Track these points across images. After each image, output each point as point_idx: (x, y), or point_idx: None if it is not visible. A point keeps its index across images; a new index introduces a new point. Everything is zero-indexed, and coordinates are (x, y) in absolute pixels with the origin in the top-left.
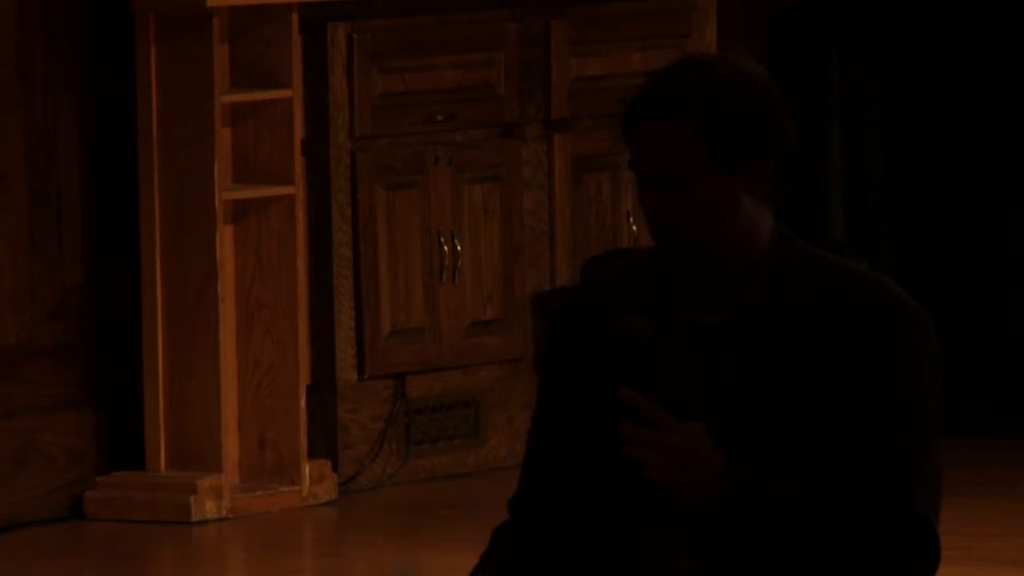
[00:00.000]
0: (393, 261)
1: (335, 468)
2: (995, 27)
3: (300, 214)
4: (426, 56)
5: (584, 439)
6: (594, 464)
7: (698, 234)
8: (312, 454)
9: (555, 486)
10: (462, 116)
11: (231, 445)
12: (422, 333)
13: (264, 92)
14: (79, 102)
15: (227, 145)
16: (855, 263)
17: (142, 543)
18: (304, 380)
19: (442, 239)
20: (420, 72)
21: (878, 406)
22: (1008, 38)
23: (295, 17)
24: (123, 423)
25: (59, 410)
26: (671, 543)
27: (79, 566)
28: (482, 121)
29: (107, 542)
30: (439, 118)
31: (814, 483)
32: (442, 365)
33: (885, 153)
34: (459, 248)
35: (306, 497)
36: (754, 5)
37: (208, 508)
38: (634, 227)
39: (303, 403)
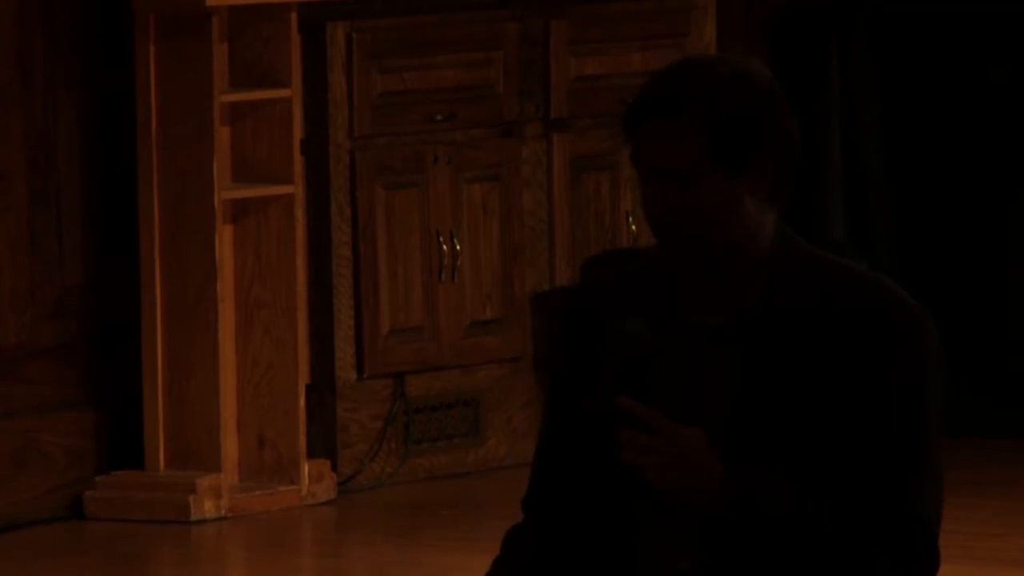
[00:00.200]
0: (392, 260)
1: (334, 467)
2: (995, 27)
3: (299, 213)
4: (425, 55)
5: (587, 440)
6: (597, 465)
7: (699, 233)
8: (311, 453)
9: (562, 485)
10: (461, 116)
11: (230, 445)
12: (421, 332)
13: (263, 91)
14: (79, 102)
15: (226, 144)
16: (856, 263)
17: (142, 543)
18: (303, 379)
19: (441, 238)
20: (419, 71)
21: (879, 407)
22: (1008, 38)
23: (294, 16)
24: (123, 423)
25: (59, 410)
26: (672, 545)
27: (79, 566)
28: (481, 121)
29: (107, 542)
30: (438, 117)
31: (815, 484)
32: (441, 364)
33: (885, 153)
34: (458, 247)
35: (305, 496)
36: (754, 5)
37: (207, 508)
38: (633, 227)
39: (302, 402)
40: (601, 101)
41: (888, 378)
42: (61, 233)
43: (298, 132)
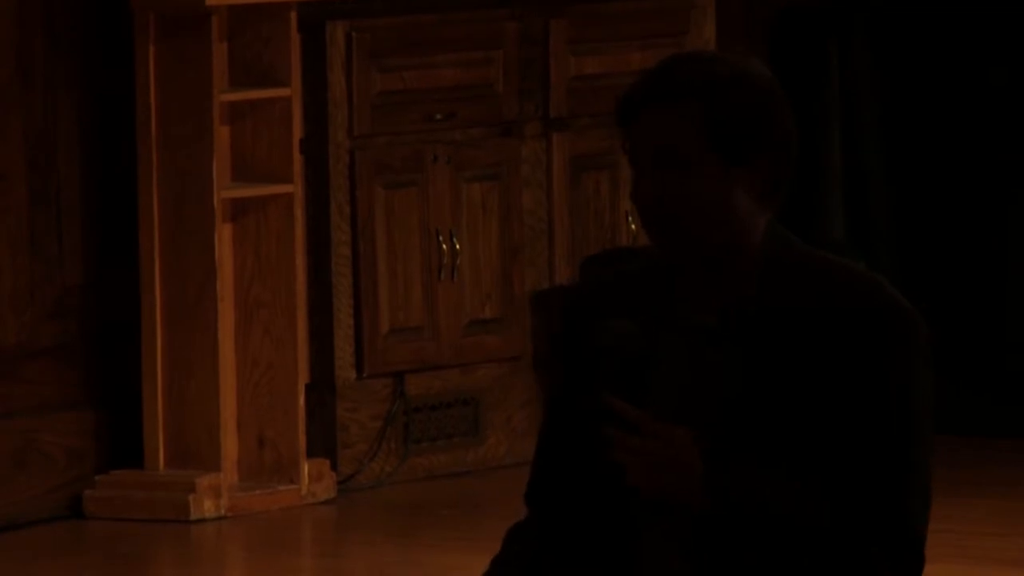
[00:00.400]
0: (392, 260)
1: (334, 467)
2: (995, 27)
3: (299, 213)
4: (425, 55)
5: (586, 438)
6: (595, 464)
7: (690, 223)
8: (311, 453)
9: (562, 482)
10: (461, 115)
11: (230, 444)
12: (421, 332)
13: (263, 91)
14: (79, 102)
15: (226, 144)
16: (852, 263)
17: (141, 542)
18: (303, 379)
19: (441, 238)
20: (419, 71)
21: (868, 408)
22: (1008, 38)
23: (294, 16)
24: (122, 422)
25: (59, 410)
26: (668, 545)
27: (78, 565)
28: (481, 120)
29: (106, 541)
30: (438, 117)
31: (806, 483)
32: (441, 364)
33: (885, 153)
34: (458, 247)
35: (305, 496)
36: (753, 4)
37: (207, 507)
38: (632, 226)
39: (302, 402)
40: (601, 100)
41: (877, 379)
42: (61, 233)
43: (297, 131)
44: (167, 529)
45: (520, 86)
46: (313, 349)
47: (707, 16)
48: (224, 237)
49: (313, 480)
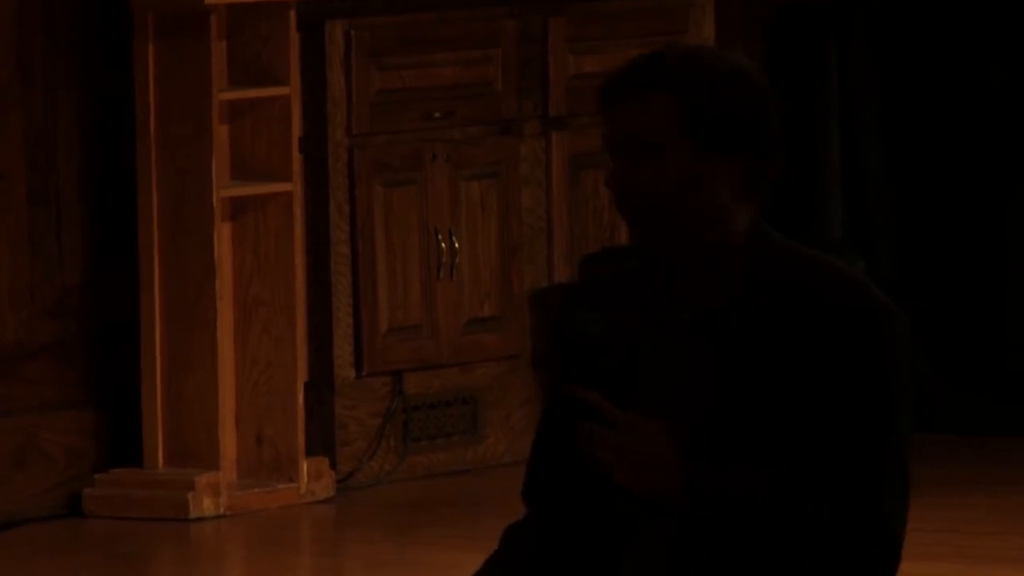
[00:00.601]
0: (391, 258)
1: (333, 465)
2: (995, 27)
3: (298, 211)
4: (424, 53)
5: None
6: (589, 461)
7: (662, 208)
8: (310, 451)
9: (557, 480)
10: (460, 113)
11: (229, 442)
12: (420, 330)
13: (262, 89)
14: (79, 102)
15: (225, 143)
16: (834, 260)
17: (140, 540)
18: (302, 377)
19: (440, 236)
20: (418, 69)
21: (845, 406)
22: (1008, 38)
23: (293, 14)
24: (121, 421)
25: (58, 408)
26: (651, 541)
27: (78, 564)
28: (480, 118)
29: (105, 539)
30: (437, 115)
31: (781, 479)
32: (440, 362)
33: (884, 152)
34: (457, 245)
35: (304, 494)
36: (753, 3)
37: (206, 505)
38: None
39: (301, 400)
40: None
41: (856, 377)
42: (60, 232)
43: (297, 130)
44: (166, 527)
45: (519, 85)
46: (312, 348)
47: (706, 14)
48: (223, 236)
49: (312, 478)
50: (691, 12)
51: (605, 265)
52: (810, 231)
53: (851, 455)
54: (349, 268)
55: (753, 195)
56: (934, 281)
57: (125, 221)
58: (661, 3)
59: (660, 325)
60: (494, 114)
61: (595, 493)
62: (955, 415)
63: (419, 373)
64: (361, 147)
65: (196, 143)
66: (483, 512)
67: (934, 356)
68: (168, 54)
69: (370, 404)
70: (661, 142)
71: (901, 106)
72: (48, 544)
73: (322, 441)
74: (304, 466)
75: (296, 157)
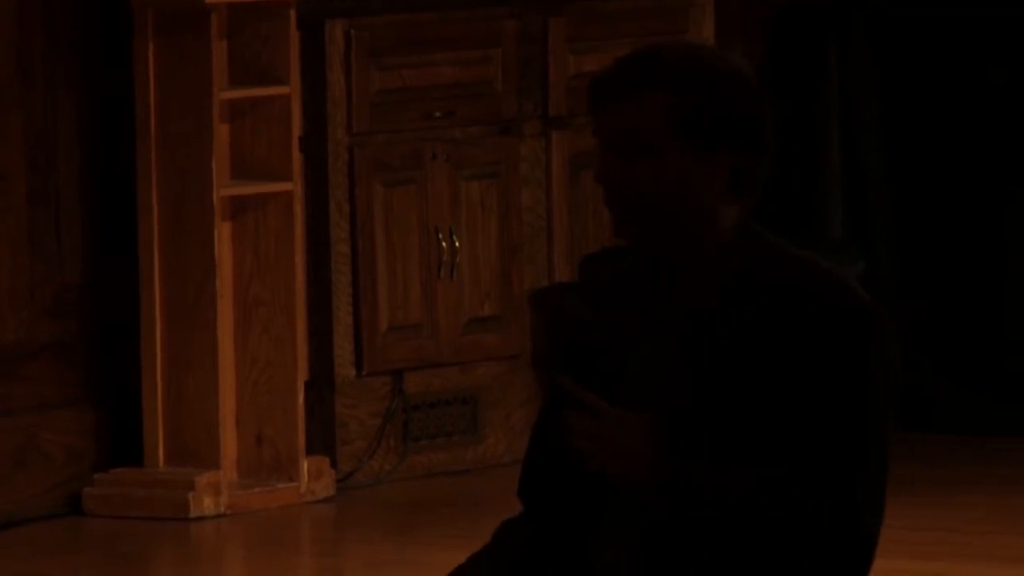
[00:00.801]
0: (391, 258)
1: (333, 465)
2: (995, 27)
3: (298, 210)
4: (424, 53)
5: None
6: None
7: (651, 205)
8: (310, 451)
9: (551, 476)
10: (460, 113)
11: (229, 442)
12: (420, 330)
13: (262, 89)
14: (79, 102)
15: (225, 142)
16: (822, 260)
17: (140, 540)
18: (302, 377)
19: (440, 236)
20: (418, 69)
21: (824, 405)
22: (1008, 38)
23: (293, 14)
24: (122, 420)
25: (58, 408)
26: (624, 534)
27: (78, 563)
28: (480, 118)
29: (105, 539)
30: (437, 115)
31: (757, 476)
32: (440, 362)
33: (884, 152)
34: (457, 245)
35: (304, 494)
36: (753, 3)
37: (206, 505)
38: None
39: (301, 400)
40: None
41: (835, 377)
42: (60, 232)
43: (297, 129)
44: (166, 527)
45: (519, 84)
46: (312, 347)
47: (706, 14)
48: (223, 235)
49: (312, 478)
50: (691, 12)
51: (605, 265)
52: (810, 231)
53: (828, 453)
54: (349, 267)
55: (743, 194)
56: (934, 281)
57: (125, 221)
58: (661, 3)
59: (648, 321)
60: (494, 114)
61: (587, 490)
62: (955, 415)
63: (419, 372)
64: (361, 146)
65: (196, 142)
66: (483, 512)
67: (934, 356)
68: (168, 53)
69: (370, 403)
70: (654, 141)
71: (901, 106)
72: (48, 544)
73: (322, 440)
74: (304, 465)
75: (296, 156)
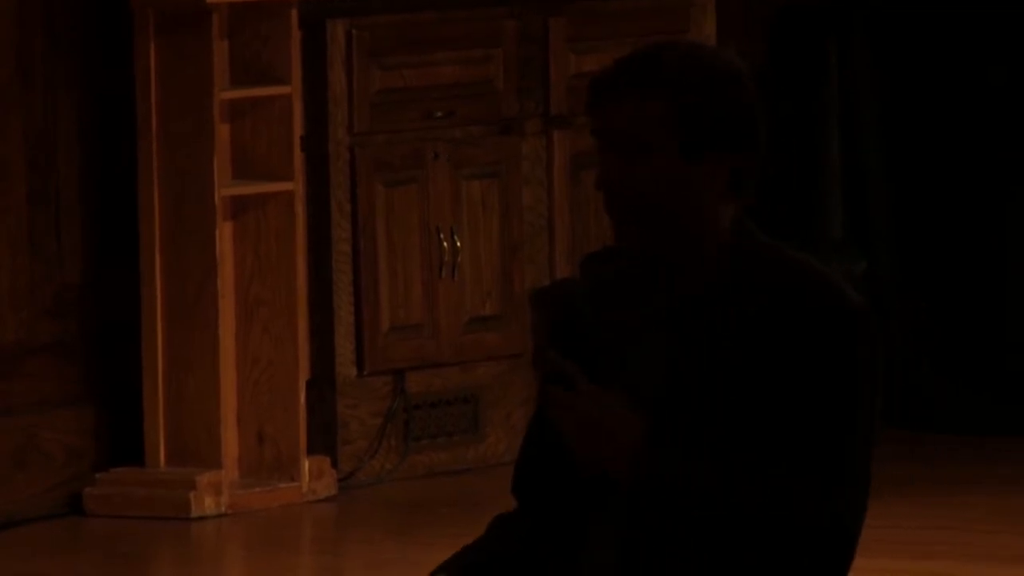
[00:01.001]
0: (392, 257)
1: (334, 464)
2: (995, 27)
3: (299, 210)
4: (425, 52)
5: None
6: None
7: (650, 207)
8: (311, 450)
9: (545, 472)
10: (461, 112)
11: (230, 441)
12: (421, 329)
13: (263, 88)
14: (79, 102)
15: (226, 141)
16: (814, 260)
17: (141, 540)
18: (303, 376)
19: (441, 235)
20: (419, 68)
21: (806, 405)
22: (1008, 38)
23: (294, 13)
24: (122, 420)
25: (58, 407)
26: (607, 529)
27: (78, 563)
28: (481, 117)
29: (106, 539)
30: (438, 114)
31: (732, 470)
32: (441, 361)
33: (884, 151)
34: (458, 244)
35: (305, 493)
36: (753, 3)
37: (207, 504)
38: None
39: (302, 399)
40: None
41: (818, 376)
42: (60, 232)
43: (298, 129)
44: (167, 526)
45: (520, 84)
46: (313, 346)
47: (707, 14)
48: (224, 235)
49: (313, 477)
50: (691, 12)
51: (606, 264)
52: (810, 231)
53: (811, 451)
54: (350, 267)
55: (738, 191)
56: (934, 281)
57: (125, 220)
58: (661, 3)
59: (647, 320)
60: (495, 113)
61: (580, 488)
62: (955, 415)
63: (420, 372)
64: (362, 146)
65: (197, 142)
66: (484, 511)
67: (934, 356)
68: (169, 53)
69: (371, 403)
70: (654, 142)
71: (901, 106)
72: (48, 544)
73: (323, 440)
74: (305, 465)
75: (297, 156)
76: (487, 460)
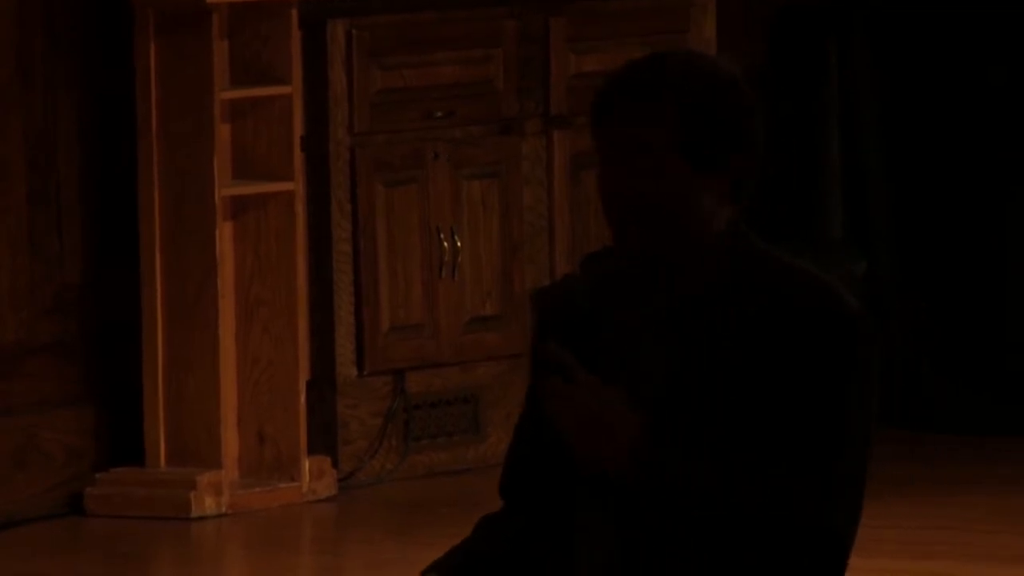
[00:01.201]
0: (392, 257)
1: (334, 464)
2: (995, 26)
3: (299, 210)
4: (425, 52)
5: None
6: (564, 454)
7: (654, 218)
8: (311, 450)
9: (536, 468)
10: (461, 112)
11: (230, 441)
12: (421, 329)
13: (263, 88)
14: (79, 102)
15: (226, 142)
16: (809, 266)
17: (141, 540)
18: (303, 376)
19: (441, 235)
20: (419, 68)
21: (800, 408)
22: (1008, 38)
23: (294, 13)
24: (123, 420)
25: (59, 407)
26: (600, 537)
27: (78, 563)
28: (481, 117)
29: (106, 539)
30: (438, 114)
31: (728, 470)
32: (441, 361)
33: (884, 151)
34: (458, 244)
35: (305, 493)
36: (753, 3)
37: (208, 504)
38: None
39: (302, 399)
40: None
41: (813, 381)
42: (61, 232)
43: (298, 129)
44: (167, 527)
45: (520, 84)
46: (314, 346)
47: (707, 14)
48: (224, 235)
49: (314, 477)
50: (692, 11)
51: (607, 263)
52: (810, 231)
53: (806, 453)
54: (351, 267)
55: (737, 198)
56: (934, 281)
57: (126, 220)
58: (662, 3)
59: (646, 320)
60: (495, 113)
61: (569, 488)
62: (955, 415)
63: (420, 372)
64: (362, 146)
65: (197, 142)
66: (484, 511)
67: (934, 356)
68: (169, 53)
69: (371, 403)
70: (656, 156)
71: (901, 106)
72: (48, 544)
73: (323, 440)
74: (306, 465)
75: (297, 156)
76: (487, 460)
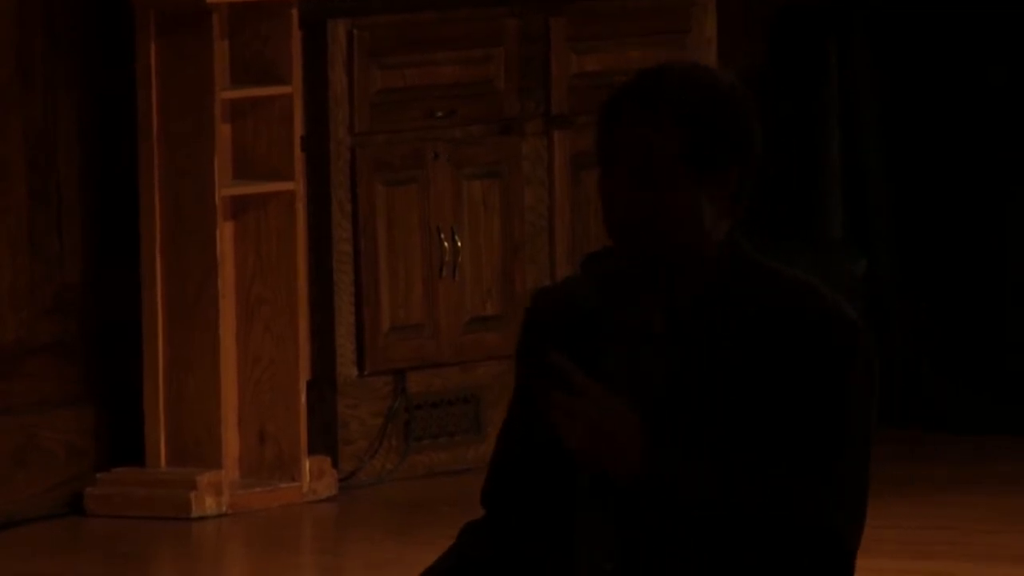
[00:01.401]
0: (393, 257)
1: (335, 464)
2: (995, 26)
3: (300, 210)
4: (425, 52)
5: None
6: (554, 459)
7: (657, 229)
8: (312, 450)
9: (521, 476)
10: (461, 112)
11: (231, 441)
12: (422, 329)
13: (264, 88)
14: (79, 102)
15: (227, 141)
16: (801, 274)
17: (142, 539)
18: (304, 376)
19: (442, 235)
20: (419, 68)
21: (800, 415)
22: (1008, 38)
23: (295, 13)
24: (123, 420)
25: (59, 407)
26: (600, 543)
27: (78, 563)
28: (481, 117)
29: (107, 539)
30: (438, 114)
31: (738, 474)
32: (442, 361)
33: (884, 152)
34: (459, 244)
35: (306, 493)
36: (753, 3)
37: (208, 504)
38: None
39: (303, 399)
40: (601, 98)
41: (812, 387)
42: (61, 232)
43: (298, 129)
44: (168, 526)
45: (520, 84)
46: (314, 346)
47: (708, 14)
48: (225, 235)
49: (314, 477)
50: (692, 11)
51: (607, 263)
52: (810, 231)
53: (809, 459)
54: (351, 267)
55: (736, 208)
56: (934, 281)
57: (126, 220)
58: (662, 3)
59: (641, 317)
60: (495, 113)
61: (556, 495)
62: (955, 415)
63: (421, 372)
64: (363, 146)
65: (198, 142)
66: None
67: (934, 356)
68: (169, 52)
69: (372, 403)
70: (660, 167)
71: (901, 106)
72: (49, 543)
73: (324, 440)
74: (306, 465)
75: (298, 156)
76: (488, 460)
